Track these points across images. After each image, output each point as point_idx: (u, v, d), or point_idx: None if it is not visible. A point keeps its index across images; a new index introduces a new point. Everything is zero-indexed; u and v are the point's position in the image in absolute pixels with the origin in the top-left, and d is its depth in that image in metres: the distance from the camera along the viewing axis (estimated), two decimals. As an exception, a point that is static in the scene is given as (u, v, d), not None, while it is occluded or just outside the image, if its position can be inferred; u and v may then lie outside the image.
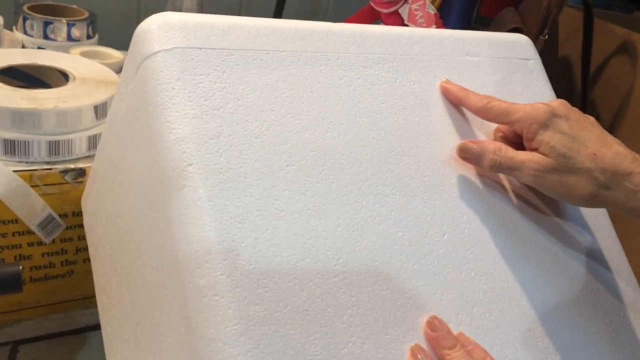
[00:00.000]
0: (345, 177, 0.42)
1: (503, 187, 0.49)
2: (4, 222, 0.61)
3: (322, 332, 0.37)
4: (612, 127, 1.00)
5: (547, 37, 0.90)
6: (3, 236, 0.61)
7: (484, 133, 0.50)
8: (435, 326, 0.40)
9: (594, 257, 0.50)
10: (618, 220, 0.59)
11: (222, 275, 0.35)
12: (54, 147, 0.62)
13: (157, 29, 0.41)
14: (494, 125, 0.51)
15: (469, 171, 0.48)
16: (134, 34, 0.42)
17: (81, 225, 0.63)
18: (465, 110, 0.50)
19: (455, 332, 0.40)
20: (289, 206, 0.39)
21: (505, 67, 0.54)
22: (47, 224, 0.63)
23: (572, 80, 1.07)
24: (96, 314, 0.56)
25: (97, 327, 0.60)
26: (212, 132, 0.39)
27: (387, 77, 0.47)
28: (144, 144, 0.41)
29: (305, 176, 0.41)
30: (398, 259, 0.41)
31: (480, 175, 0.48)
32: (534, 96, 0.54)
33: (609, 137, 0.46)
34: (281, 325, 0.36)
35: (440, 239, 0.43)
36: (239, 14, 1.32)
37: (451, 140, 0.48)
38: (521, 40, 0.56)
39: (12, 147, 0.61)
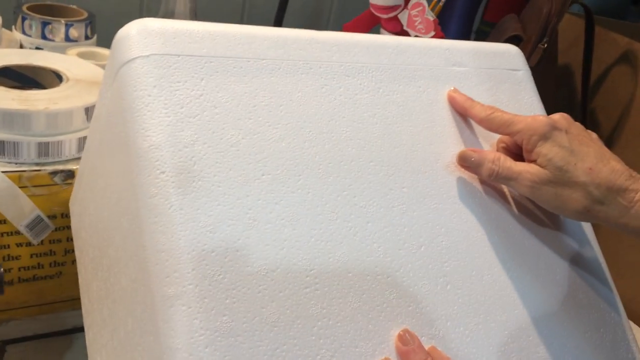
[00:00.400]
0: (321, 187, 0.42)
1: (483, 200, 0.48)
2: (-9, 223, 0.61)
3: (290, 344, 0.36)
4: (612, 137, 0.99)
5: (546, 45, 0.90)
6: (-10, 236, 0.62)
7: (467, 145, 0.50)
8: (406, 340, 0.39)
9: (574, 272, 0.49)
10: (615, 234, 0.58)
11: (190, 285, 0.35)
12: (43, 149, 0.63)
13: (136, 35, 0.41)
14: (480, 137, 0.51)
15: (449, 183, 0.47)
16: (114, 39, 0.42)
17: (70, 227, 0.63)
18: (448, 121, 0.50)
19: (427, 346, 0.40)
20: (262, 216, 0.39)
21: (492, 77, 0.53)
22: (35, 225, 0.63)
23: (572, 88, 1.06)
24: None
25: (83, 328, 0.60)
26: (187, 140, 0.39)
27: (370, 87, 0.47)
28: (121, 150, 0.41)
29: (280, 185, 0.40)
30: (372, 271, 0.41)
31: (460, 187, 0.48)
32: (521, 107, 0.54)
33: (608, 153, 0.46)
34: (248, 337, 0.35)
35: (416, 251, 0.43)
36: (241, 20, 1.32)
37: (433, 152, 0.48)
38: (510, 51, 0.56)
39: (1, 148, 0.61)
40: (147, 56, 0.40)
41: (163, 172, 0.37)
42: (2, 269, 0.47)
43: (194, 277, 0.35)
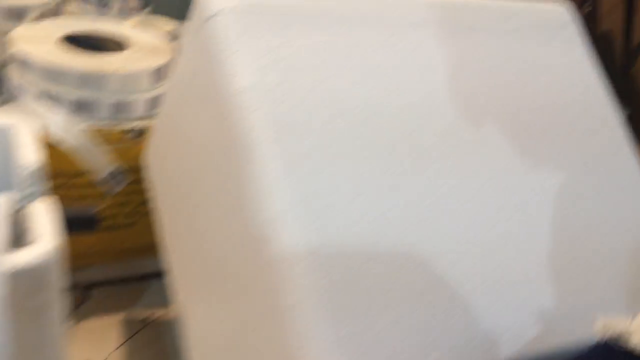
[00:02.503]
0: (426, 162, 0.44)
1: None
2: (73, 175, 0.66)
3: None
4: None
5: (591, 8, 0.90)
6: (73, 187, 0.66)
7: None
8: None
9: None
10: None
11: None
12: (116, 107, 0.67)
13: (219, -12, 0.44)
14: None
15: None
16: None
17: (142, 180, 0.68)
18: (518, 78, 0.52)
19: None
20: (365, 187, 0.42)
21: (543, 34, 0.55)
22: (113, 177, 0.67)
23: (612, 56, 1.07)
24: (157, 262, 0.61)
25: (157, 274, 0.64)
26: (274, 83, 0.42)
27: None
28: (206, 99, 0.44)
29: (381, 160, 0.43)
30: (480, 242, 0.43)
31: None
32: (571, 63, 0.55)
33: None
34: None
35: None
36: None
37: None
38: (559, 9, 0.58)
39: (78, 106, 0.66)
40: (230, 9, 0.44)
41: (256, 110, 0.41)
42: (95, 210, 0.52)
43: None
